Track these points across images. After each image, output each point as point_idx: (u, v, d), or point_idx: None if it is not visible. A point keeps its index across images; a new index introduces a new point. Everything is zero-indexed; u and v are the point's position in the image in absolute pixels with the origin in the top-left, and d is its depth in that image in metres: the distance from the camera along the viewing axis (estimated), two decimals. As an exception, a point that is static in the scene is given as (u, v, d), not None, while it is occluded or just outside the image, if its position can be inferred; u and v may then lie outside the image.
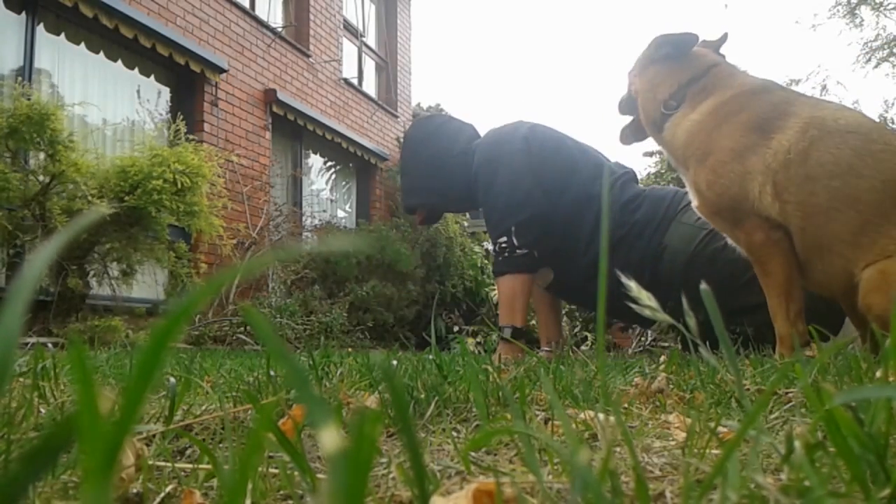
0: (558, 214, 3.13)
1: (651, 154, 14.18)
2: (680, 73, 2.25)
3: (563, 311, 3.97)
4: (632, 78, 2.48)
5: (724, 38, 2.40)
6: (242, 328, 5.83)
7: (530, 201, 3.09)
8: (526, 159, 3.16)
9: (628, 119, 2.58)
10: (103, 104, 6.60)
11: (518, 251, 3.06)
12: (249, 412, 0.97)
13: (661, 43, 2.31)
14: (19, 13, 5.94)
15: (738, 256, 2.80)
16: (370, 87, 11.44)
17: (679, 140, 2.17)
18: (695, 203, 2.17)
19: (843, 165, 1.85)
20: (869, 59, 14.75)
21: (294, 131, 9.21)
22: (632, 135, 2.60)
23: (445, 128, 3.50)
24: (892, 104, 20.64)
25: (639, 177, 7.18)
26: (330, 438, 0.27)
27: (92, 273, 5.28)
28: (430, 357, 1.25)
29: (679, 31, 2.30)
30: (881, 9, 14.21)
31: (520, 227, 3.08)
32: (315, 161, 10.11)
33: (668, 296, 0.99)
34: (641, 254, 2.98)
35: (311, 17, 9.61)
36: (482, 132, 3.53)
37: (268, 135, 8.46)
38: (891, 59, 14.58)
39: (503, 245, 3.09)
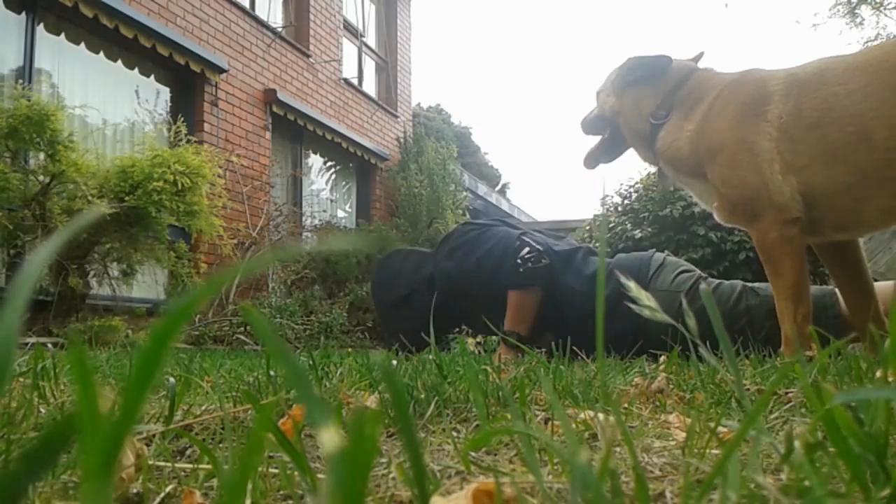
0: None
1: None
2: (663, 84, 2.28)
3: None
4: (603, 97, 2.51)
5: (700, 55, 2.45)
6: (242, 328, 5.83)
7: (521, 234, 3.16)
8: (487, 223, 3.30)
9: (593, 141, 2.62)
10: (103, 104, 6.60)
11: (543, 260, 3.07)
12: (249, 412, 0.97)
13: (636, 65, 2.35)
14: (19, 13, 5.94)
15: (725, 310, 2.73)
16: (370, 87, 11.44)
17: (683, 150, 2.18)
18: (713, 205, 2.17)
19: (830, 99, 1.89)
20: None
21: (294, 131, 9.22)
22: (601, 156, 2.63)
23: (405, 264, 3.55)
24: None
25: (640, 175, 7.12)
26: (330, 438, 0.27)
27: (92, 273, 5.29)
28: (430, 357, 1.25)
29: (653, 54, 2.34)
30: (881, 8, 14.19)
31: (529, 234, 3.12)
32: (315, 161, 10.12)
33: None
34: (621, 328, 2.75)
35: (311, 17, 9.62)
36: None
37: (268, 135, 8.46)
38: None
39: (527, 255, 3.09)
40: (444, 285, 3.29)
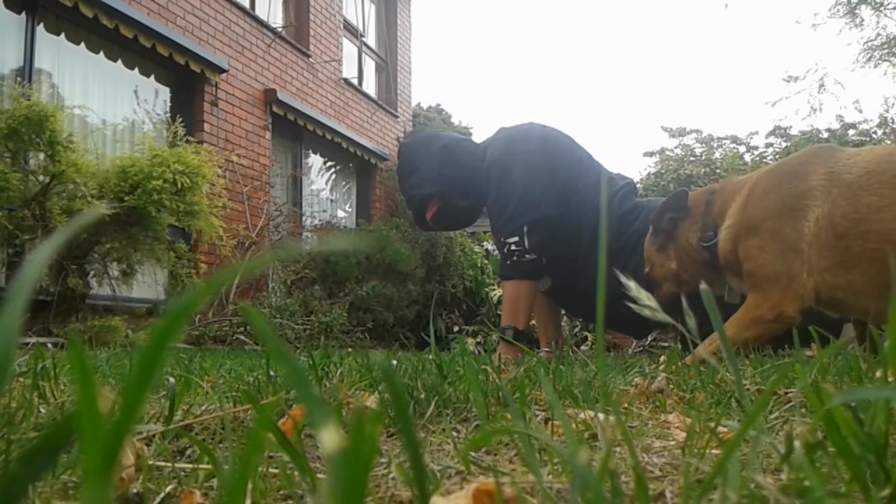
0: (563, 220, 3.12)
1: (651, 154, 14.19)
2: (695, 211, 2.38)
3: (563, 312, 3.98)
4: (657, 270, 2.55)
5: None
6: (242, 328, 5.83)
7: (544, 202, 3.07)
8: (542, 160, 3.15)
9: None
10: (103, 104, 6.60)
11: (527, 255, 3.04)
12: (249, 412, 0.97)
13: (663, 212, 2.45)
14: (19, 13, 5.94)
15: None
16: (370, 87, 11.44)
17: (726, 248, 2.27)
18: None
19: (862, 210, 1.96)
20: (869, 59, 14.74)
21: (294, 131, 9.21)
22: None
23: (449, 131, 3.56)
24: (893, 103, 20.63)
25: (640, 175, 7.13)
26: (330, 438, 0.27)
27: (92, 273, 5.28)
28: (430, 357, 1.25)
29: (671, 196, 2.47)
30: (881, 8, 14.19)
31: (532, 226, 3.06)
32: (315, 161, 10.11)
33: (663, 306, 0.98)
34: (637, 265, 2.97)
35: (311, 17, 9.61)
36: (482, 133, 3.57)
37: (268, 135, 8.46)
38: (891, 58, 14.56)
39: (513, 248, 3.05)
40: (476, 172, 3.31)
